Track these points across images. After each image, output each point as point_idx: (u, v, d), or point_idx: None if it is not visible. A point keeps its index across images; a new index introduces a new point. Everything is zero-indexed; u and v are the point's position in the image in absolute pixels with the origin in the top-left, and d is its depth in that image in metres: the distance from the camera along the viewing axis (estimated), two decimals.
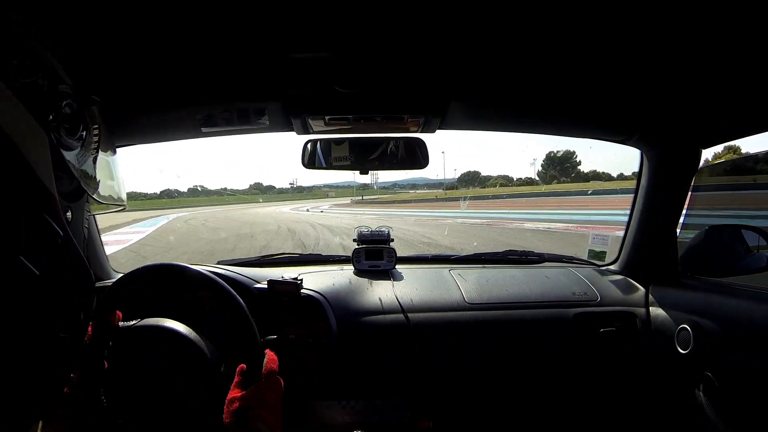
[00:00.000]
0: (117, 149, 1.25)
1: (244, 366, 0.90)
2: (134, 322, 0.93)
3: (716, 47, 0.80)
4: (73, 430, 0.83)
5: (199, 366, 0.91)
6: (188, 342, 0.92)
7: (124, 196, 0.91)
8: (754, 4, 0.67)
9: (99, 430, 0.87)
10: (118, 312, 0.93)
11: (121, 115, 1.12)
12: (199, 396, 0.90)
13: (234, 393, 0.86)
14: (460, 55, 0.88)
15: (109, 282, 1.34)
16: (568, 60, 0.89)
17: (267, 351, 0.94)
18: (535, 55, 0.87)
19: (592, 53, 0.85)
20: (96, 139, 0.67)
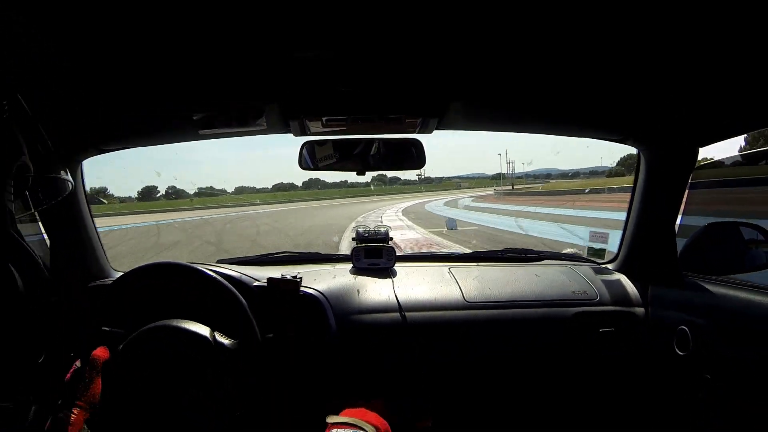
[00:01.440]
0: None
1: None
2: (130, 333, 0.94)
3: (713, 46, 0.80)
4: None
5: (211, 357, 0.92)
6: (199, 337, 0.93)
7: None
8: (751, 3, 0.66)
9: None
10: (102, 349, 0.93)
11: (117, 117, 1.12)
12: (212, 386, 0.91)
13: None
14: (458, 56, 0.88)
15: (108, 280, 1.36)
16: (565, 60, 0.89)
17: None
18: (533, 55, 0.87)
19: (589, 53, 0.85)
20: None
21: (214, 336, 0.94)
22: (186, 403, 0.91)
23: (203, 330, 0.95)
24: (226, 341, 0.95)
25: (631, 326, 1.30)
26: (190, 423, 0.92)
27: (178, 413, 0.91)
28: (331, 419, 0.83)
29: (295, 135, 1.23)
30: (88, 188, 1.42)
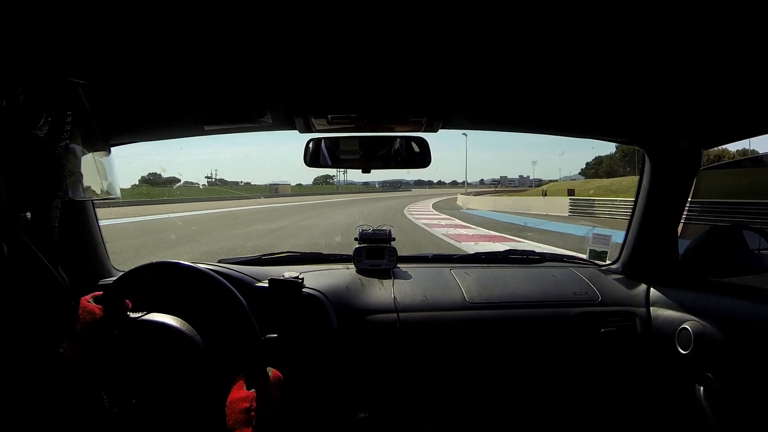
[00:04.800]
0: (112, 146, 1.25)
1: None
2: (140, 314, 0.93)
3: (717, 49, 0.80)
4: (66, 410, 0.83)
5: (198, 367, 0.91)
6: (189, 341, 0.92)
7: (117, 192, 0.89)
8: (756, 5, 0.67)
9: (94, 416, 0.87)
10: (127, 301, 0.93)
11: (123, 112, 1.12)
12: (195, 395, 0.91)
13: (238, 393, 0.86)
14: (463, 57, 0.88)
15: (110, 280, 1.34)
16: (570, 61, 0.89)
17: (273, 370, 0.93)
18: (538, 56, 0.87)
19: (593, 55, 0.85)
20: (68, 124, 0.62)
21: (195, 333, 0.94)
22: (187, 402, 0.90)
23: (185, 327, 0.94)
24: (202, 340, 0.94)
25: (632, 326, 1.30)
26: (190, 419, 0.91)
27: (179, 411, 0.91)
28: None
29: (301, 132, 1.23)
30: None
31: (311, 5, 0.68)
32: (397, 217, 13.92)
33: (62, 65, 0.81)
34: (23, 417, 0.71)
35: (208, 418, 0.93)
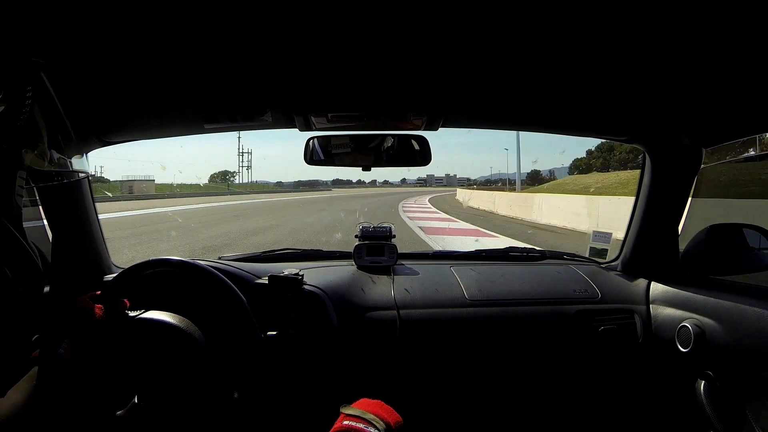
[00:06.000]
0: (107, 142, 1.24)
1: None
2: (137, 312, 0.94)
3: (719, 46, 0.80)
4: (68, 412, 0.83)
5: (200, 363, 0.92)
6: (190, 338, 0.92)
7: (87, 167, 0.87)
8: (756, 3, 0.66)
9: (97, 417, 0.87)
10: (125, 300, 0.93)
11: (124, 110, 1.12)
12: (196, 392, 0.91)
13: None
14: (463, 56, 0.88)
15: (110, 276, 1.35)
16: (570, 59, 0.89)
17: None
18: (538, 54, 0.87)
19: (594, 53, 0.85)
20: (28, 101, 0.61)
21: (194, 329, 0.94)
22: (187, 399, 0.91)
23: (184, 323, 0.94)
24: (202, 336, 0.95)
25: (632, 324, 1.30)
26: (190, 417, 0.92)
27: (180, 409, 0.91)
28: (344, 409, 0.82)
29: (301, 130, 1.23)
30: None
31: (313, 4, 0.68)
32: None
33: (59, 58, 0.81)
34: (25, 420, 0.71)
35: (209, 416, 0.94)
